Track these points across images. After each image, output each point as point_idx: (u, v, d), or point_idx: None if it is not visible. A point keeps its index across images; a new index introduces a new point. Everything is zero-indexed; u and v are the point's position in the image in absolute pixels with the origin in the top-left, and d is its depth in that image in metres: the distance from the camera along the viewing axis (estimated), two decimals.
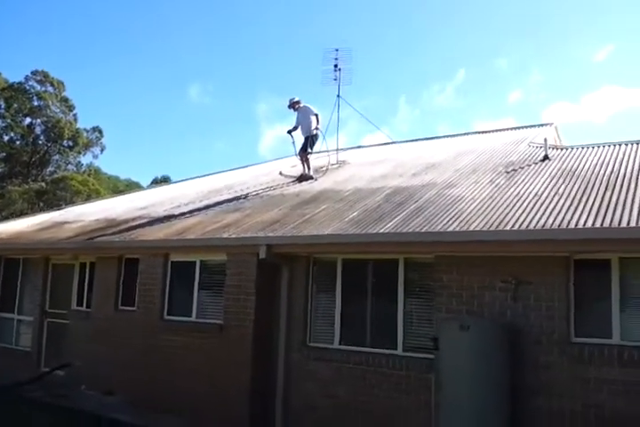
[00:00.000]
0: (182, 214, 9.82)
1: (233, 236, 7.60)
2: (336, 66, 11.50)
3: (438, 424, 6.04)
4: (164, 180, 50.43)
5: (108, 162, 68.33)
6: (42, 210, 33.61)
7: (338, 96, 11.63)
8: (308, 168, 11.00)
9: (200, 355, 7.73)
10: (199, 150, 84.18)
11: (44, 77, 38.00)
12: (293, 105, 11.32)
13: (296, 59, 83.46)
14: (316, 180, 10.60)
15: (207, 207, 10.06)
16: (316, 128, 10.95)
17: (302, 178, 10.86)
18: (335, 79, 11.54)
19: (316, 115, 11.05)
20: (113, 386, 8.71)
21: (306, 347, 7.35)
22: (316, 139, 11.10)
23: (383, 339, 6.87)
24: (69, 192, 34.47)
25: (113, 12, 70.49)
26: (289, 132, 11.32)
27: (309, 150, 11.03)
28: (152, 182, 49.96)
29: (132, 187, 46.48)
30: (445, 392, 5.91)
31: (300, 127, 11.14)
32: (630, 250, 5.52)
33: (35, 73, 37.83)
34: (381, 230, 6.52)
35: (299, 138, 11.29)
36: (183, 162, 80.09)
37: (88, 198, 33.75)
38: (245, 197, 10.38)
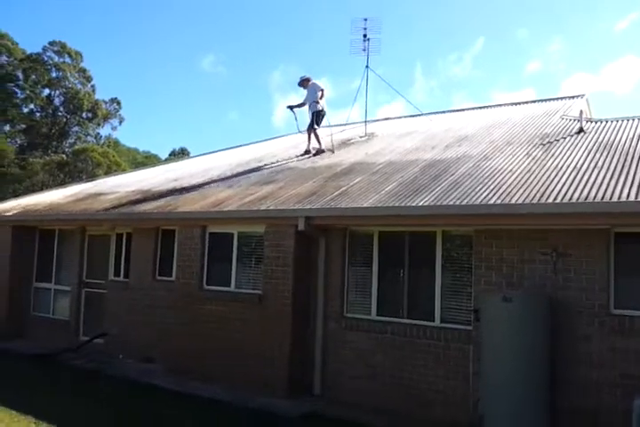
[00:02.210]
0: (216, 186, 9.93)
1: (271, 208, 7.70)
2: (365, 36, 11.40)
3: (476, 393, 6.21)
4: (182, 151, 50.64)
5: (126, 134, 68.72)
6: (63, 181, 34.04)
7: (366, 67, 11.58)
8: (319, 143, 11.13)
9: (239, 324, 7.94)
10: (214, 121, 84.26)
11: (61, 48, 37.92)
12: (303, 83, 11.42)
13: (310, 28, 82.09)
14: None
15: (239, 179, 10.15)
16: (316, 102, 11.05)
17: (313, 153, 11.03)
18: (364, 49, 11.46)
19: (322, 90, 11.17)
20: (152, 354, 9.02)
21: (343, 317, 7.52)
22: (323, 114, 11.24)
23: (420, 311, 7.00)
24: (90, 164, 34.75)
25: None
26: (290, 107, 11.50)
27: (315, 127, 11.16)
28: (170, 154, 50.21)
29: (150, 159, 46.76)
30: (485, 362, 6.07)
31: (307, 104, 11.29)
32: None
33: (52, 44, 37.76)
34: (420, 203, 6.57)
35: (302, 114, 11.57)
36: (199, 133, 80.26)
37: (108, 170, 34.11)
38: (276, 169, 10.44)
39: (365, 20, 11.30)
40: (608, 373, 5.77)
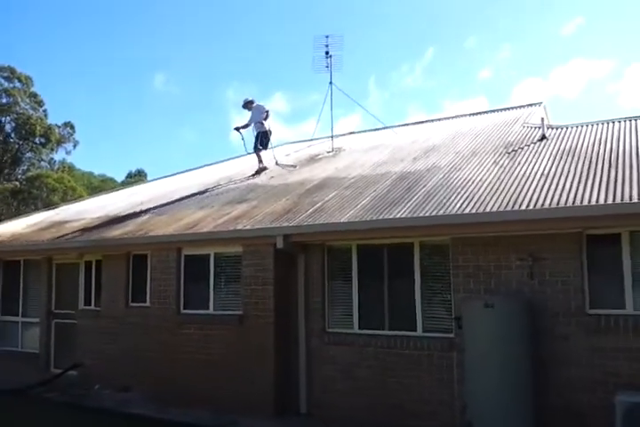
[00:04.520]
0: (187, 208, 9.83)
1: (247, 227, 7.67)
2: (327, 53, 11.62)
3: (462, 399, 6.28)
4: (139, 173, 49.86)
5: (80, 158, 67.20)
6: (17, 209, 33.04)
7: (330, 83, 11.85)
8: (260, 162, 11.59)
9: (221, 346, 7.85)
10: (170, 141, 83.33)
11: (10, 73, 36.93)
12: (247, 105, 11.90)
13: (262, 43, 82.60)
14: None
15: (210, 200, 10.09)
16: (261, 123, 11.52)
17: (256, 172, 11.52)
18: (327, 66, 11.67)
19: (267, 111, 11.68)
20: (129, 383, 8.80)
21: (325, 333, 7.52)
22: (268, 135, 11.70)
23: (402, 321, 7.06)
24: (45, 190, 33.87)
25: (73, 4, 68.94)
26: (236, 128, 11.90)
27: (259, 147, 11.62)
28: (127, 177, 49.32)
29: (107, 182, 45.85)
30: (469, 368, 6.16)
31: (252, 125, 11.69)
32: None
33: (1, 69, 36.78)
34: (398, 215, 6.67)
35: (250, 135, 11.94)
36: (155, 154, 79.23)
37: (64, 196, 33.31)
38: (247, 188, 10.43)
39: (327, 37, 11.56)
40: (588, 371, 5.93)
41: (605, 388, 5.80)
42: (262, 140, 11.60)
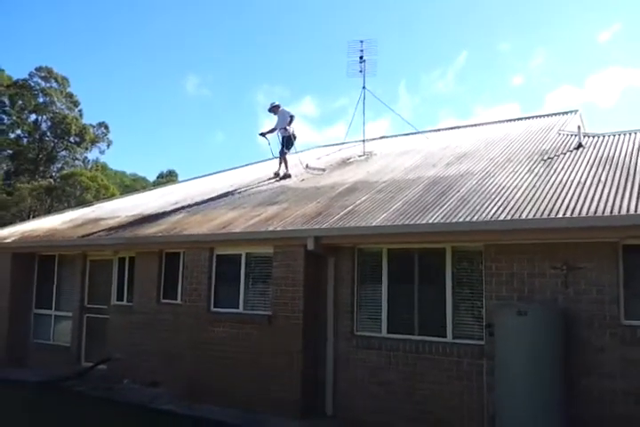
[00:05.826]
0: (219, 208, 9.95)
1: (279, 228, 7.74)
2: (361, 57, 11.68)
3: (492, 407, 6.23)
4: (170, 174, 50.58)
5: (113, 157, 68.17)
6: (51, 206, 33.79)
7: (363, 88, 11.86)
8: (286, 167, 11.68)
9: (249, 345, 7.90)
10: (201, 143, 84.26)
11: (48, 74, 37.96)
12: (273, 109, 12.00)
13: (291, 48, 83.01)
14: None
15: (242, 201, 10.19)
16: (284, 128, 11.61)
17: (282, 177, 11.58)
18: (360, 71, 11.72)
19: (292, 116, 11.78)
20: (157, 379, 8.94)
21: (354, 336, 7.52)
22: (293, 139, 11.78)
23: (432, 327, 7.03)
24: (79, 188, 34.56)
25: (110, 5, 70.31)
26: (261, 134, 12.08)
27: (285, 151, 11.74)
28: (158, 177, 50.09)
29: (138, 182, 46.63)
30: (500, 376, 6.10)
31: (278, 129, 11.81)
32: None
33: (39, 69, 37.79)
34: (430, 220, 6.66)
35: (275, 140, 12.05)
36: (186, 155, 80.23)
37: (97, 194, 33.95)
38: (278, 190, 10.51)
39: (361, 42, 11.58)
40: (622, 383, 5.83)
41: (638, 400, 5.70)
42: (287, 144, 11.75)
